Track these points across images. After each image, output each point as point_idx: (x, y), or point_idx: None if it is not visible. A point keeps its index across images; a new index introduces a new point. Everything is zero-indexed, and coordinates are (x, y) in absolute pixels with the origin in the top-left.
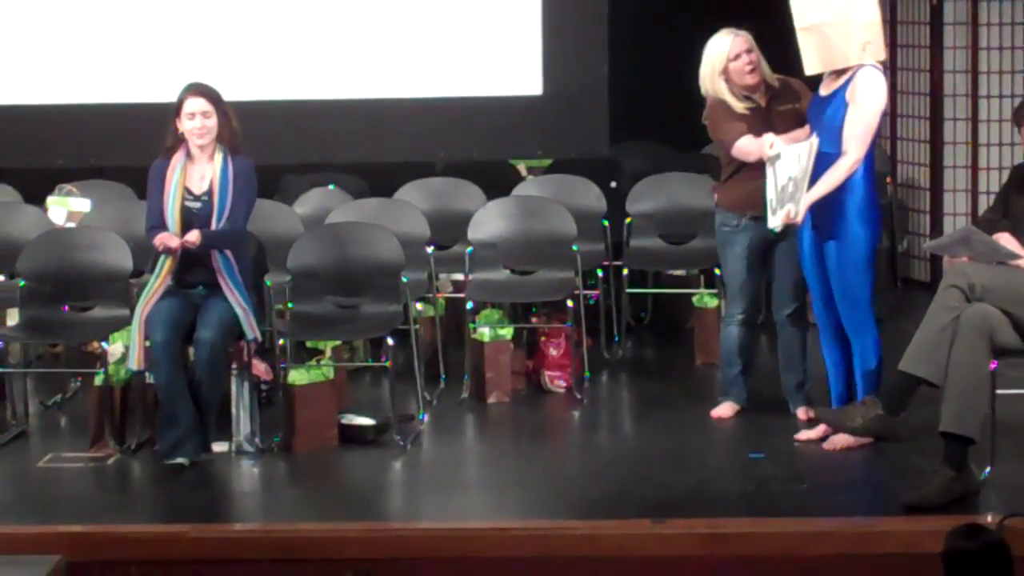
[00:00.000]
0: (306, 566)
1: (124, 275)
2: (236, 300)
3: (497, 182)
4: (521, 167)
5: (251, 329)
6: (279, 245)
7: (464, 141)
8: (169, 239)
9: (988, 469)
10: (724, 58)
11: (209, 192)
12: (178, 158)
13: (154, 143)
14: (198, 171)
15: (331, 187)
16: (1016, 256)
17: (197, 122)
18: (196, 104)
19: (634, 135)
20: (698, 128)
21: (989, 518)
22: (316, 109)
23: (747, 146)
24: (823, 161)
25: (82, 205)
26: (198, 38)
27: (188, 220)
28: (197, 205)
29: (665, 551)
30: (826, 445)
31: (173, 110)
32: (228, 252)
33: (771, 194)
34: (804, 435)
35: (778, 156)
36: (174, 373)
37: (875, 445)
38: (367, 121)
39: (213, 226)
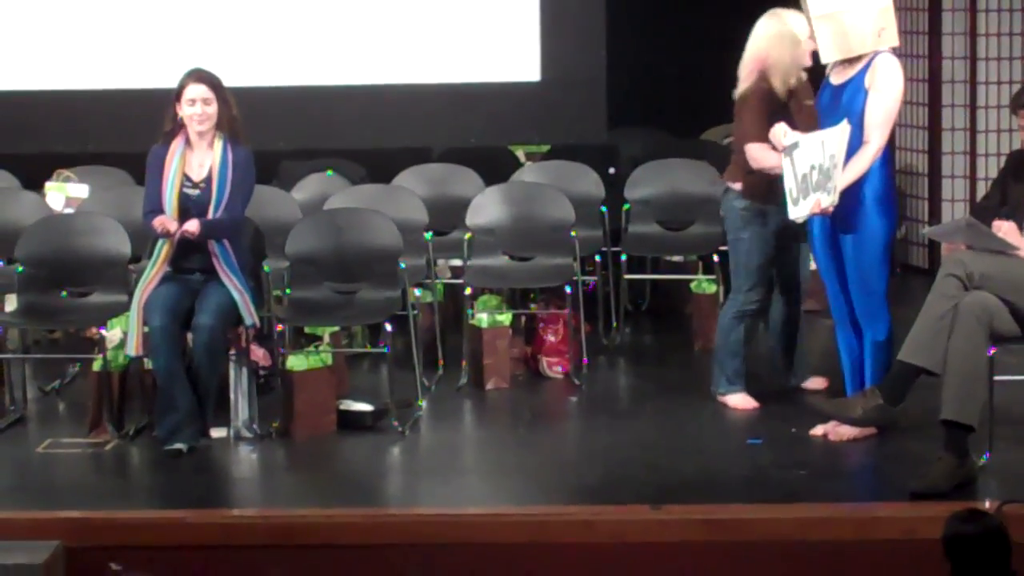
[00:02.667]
0: (305, 551)
1: (123, 261)
2: (234, 285)
3: (495, 168)
4: (520, 153)
5: (249, 315)
6: (277, 231)
7: (462, 127)
8: (168, 222)
9: (986, 455)
10: (804, 38)
11: (208, 180)
12: (177, 144)
13: (152, 129)
14: (197, 158)
15: (329, 173)
16: (1015, 248)
17: (198, 108)
18: (197, 91)
19: (632, 121)
20: (697, 114)
21: (987, 504)
22: (314, 95)
23: (758, 154)
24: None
25: (80, 191)
26: (197, 24)
27: (186, 207)
28: (196, 192)
29: (663, 537)
30: (831, 436)
31: (173, 95)
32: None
33: (790, 183)
34: (820, 430)
35: (795, 145)
36: (172, 359)
37: (876, 433)
38: (365, 107)
39: (210, 214)
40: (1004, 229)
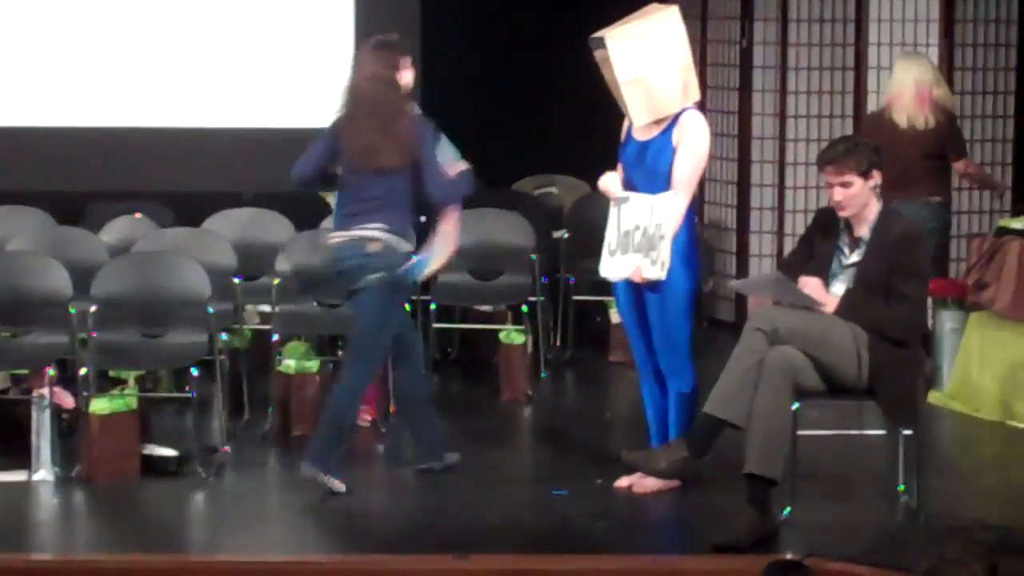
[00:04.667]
0: None
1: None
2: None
3: (306, 214)
4: (330, 199)
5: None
6: (83, 273)
7: (272, 171)
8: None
9: (788, 509)
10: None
11: None
12: None
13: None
14: None
15: (137, 215)
16: (820, 303)
17: None
18: None
19: None
20: (509, 164)
21: (789, 557)
22: (124, 136)
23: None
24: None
25: None
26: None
27: None
28: None
29: None
30: (636, 488)
31: (390, 66)
32: None
33: (611, 236)
34: (625, 481)
35: (626, 199)
36: None
37: (680, 485)
38: (175, 150)
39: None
40: (810, 285)
